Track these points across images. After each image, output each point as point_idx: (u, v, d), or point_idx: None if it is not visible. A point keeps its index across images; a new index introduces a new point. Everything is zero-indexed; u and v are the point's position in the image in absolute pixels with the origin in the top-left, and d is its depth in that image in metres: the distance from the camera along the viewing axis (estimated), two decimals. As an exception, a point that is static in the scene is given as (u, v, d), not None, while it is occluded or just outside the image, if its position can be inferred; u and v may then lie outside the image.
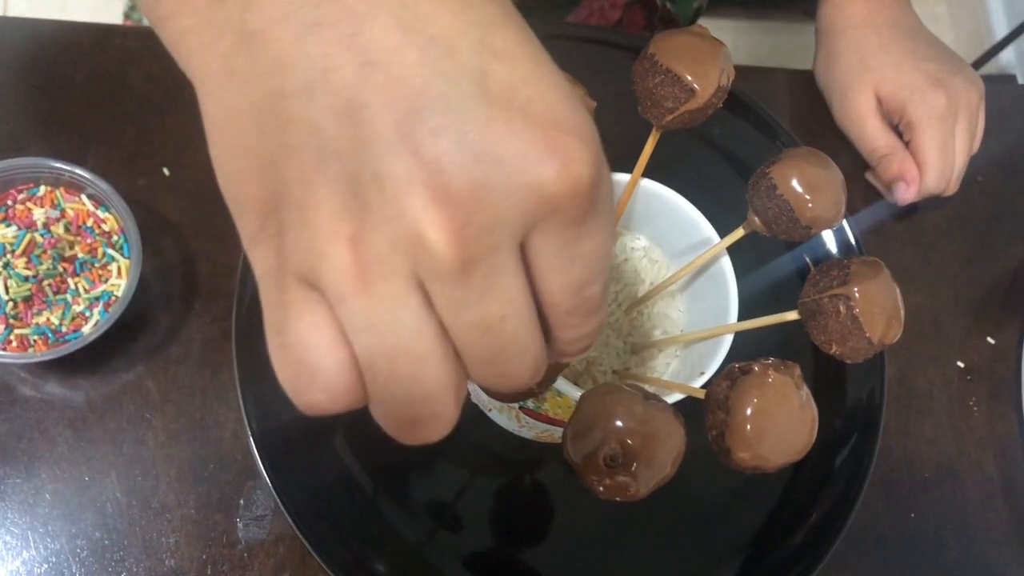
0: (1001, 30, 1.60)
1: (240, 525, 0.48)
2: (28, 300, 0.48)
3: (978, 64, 1.50)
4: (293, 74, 0.19)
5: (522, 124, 0.19)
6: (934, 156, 0.59)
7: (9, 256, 0.48)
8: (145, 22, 0.78)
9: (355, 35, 0.19)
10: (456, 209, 0.19)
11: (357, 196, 0.19)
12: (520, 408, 0.46)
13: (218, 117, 0.21)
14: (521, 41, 0.20)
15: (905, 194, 0.60)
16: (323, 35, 0.19)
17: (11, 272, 0.48)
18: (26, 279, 0.48)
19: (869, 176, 0.64)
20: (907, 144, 0.61)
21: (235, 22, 0.20)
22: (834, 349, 0.37)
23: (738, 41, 1.58)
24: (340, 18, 0.19)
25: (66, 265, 0.49)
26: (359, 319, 0.20)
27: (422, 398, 0.21)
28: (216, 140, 0.21)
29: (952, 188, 0.62)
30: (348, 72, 0.19)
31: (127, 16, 0.80)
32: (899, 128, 0.62)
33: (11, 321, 0.47)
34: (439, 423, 0.22)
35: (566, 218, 0.20)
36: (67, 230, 0.49)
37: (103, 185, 0.48)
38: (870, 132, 0.62)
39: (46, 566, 0.46)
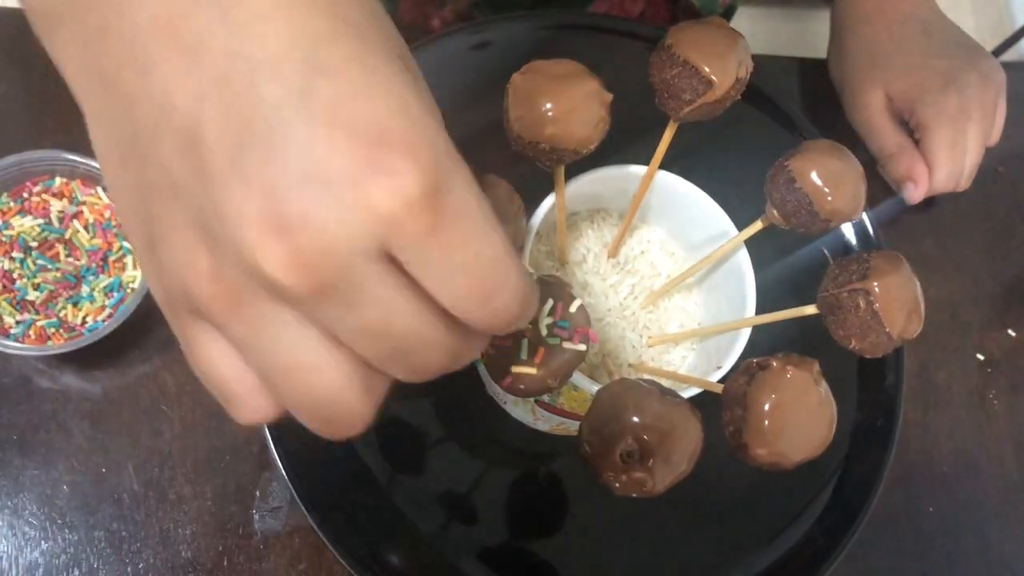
0: (1022, 16, 1.57)
1: (256, 516, 0.48)
2: (45, 293, 0.48)
3: (999, 51, 1.48)
4: (141, 114, 0.20)
5: (346, 142, 0.18)
6: (943, 157, 0.59)
7: (26, 250, 0.48)
8: None
9: (189, 70, 0.19)
10: (289, 237, 0.18)
11: (207, 230, 0.19)
12: (535, 401, 0.46)
13: (100, 154, 0.21)
14: (352, 55, 0.19)
15: (913, 194, 0.60)
16: (161, 72, 0.19)
17: (28, 265, 0.48)
18: (43, 272, 0.48)
19: (880, 170, 0.63)
20: (917, 143, 0.61)
21: (97, 66, 0.20)
22: (854, 344, 0.37)
23: (755, 28, 1.57)
24: (174, 54, 0.19)
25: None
26: (242, 342, 0.21)
27: (328, 401, 0.21)
28: (104, 175, 0.22)
29: (962, 186, 0.61)
30: (185, 108, 0.19)
31: None
32: (911, 125, 0.61)
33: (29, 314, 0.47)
34: (352, 420, 0.22)
35: (413, 234, 0.19)
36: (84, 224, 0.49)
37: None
38: (878, 131, 0.61)
39: (64, 557, 0.46)
